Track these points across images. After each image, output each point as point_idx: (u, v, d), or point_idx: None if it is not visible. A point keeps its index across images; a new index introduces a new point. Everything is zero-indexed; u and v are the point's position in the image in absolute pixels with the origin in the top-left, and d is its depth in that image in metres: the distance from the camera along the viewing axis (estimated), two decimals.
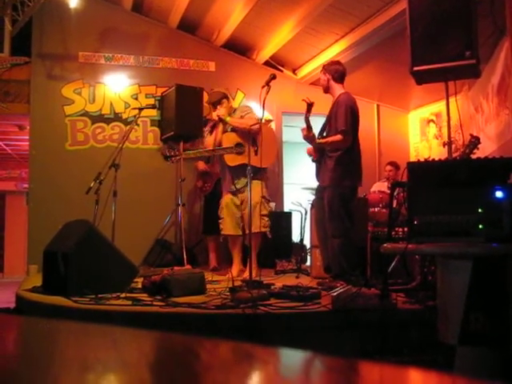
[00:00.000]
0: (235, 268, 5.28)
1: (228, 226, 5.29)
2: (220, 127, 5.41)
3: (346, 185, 4.42)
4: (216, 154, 5.41)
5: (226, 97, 5.54)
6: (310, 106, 4.32)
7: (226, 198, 5.33)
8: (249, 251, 4.43)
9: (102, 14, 7.01)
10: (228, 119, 5.32)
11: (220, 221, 5.37)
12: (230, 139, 5.25)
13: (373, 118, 8.00)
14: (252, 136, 5.08)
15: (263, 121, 4.87)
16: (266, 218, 5.23)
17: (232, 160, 5.19)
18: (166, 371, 0.53)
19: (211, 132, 5.67)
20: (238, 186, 5.21)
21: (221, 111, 5.40)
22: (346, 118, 4.34)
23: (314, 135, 4.45)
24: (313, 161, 4.68)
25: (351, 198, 4.48)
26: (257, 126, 5.01)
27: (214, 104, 5.52)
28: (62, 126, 6.69)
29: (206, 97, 6.96)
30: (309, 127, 4.39)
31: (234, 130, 5.29)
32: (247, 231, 5.09)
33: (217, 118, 5.42)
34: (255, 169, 4.56)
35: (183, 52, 7.21)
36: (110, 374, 0.52)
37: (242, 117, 5.34)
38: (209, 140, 5.64)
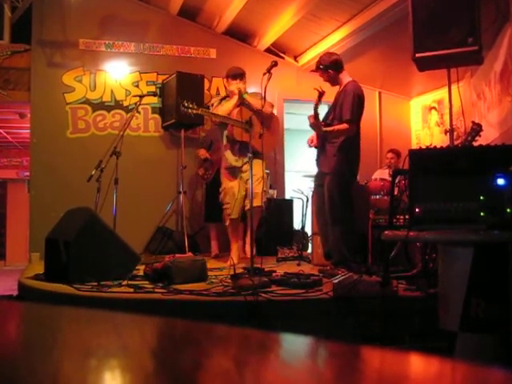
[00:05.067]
0: (235, 254, 5.24)
1: (236, 210, 5.22)
2: (234, 100, 5.31)
3: (346, 172, 4.43)
4: (227, 121, 5.33)
5: (245, 75, 5.49)
6: (321, 94, 4.28)
7: (226, 184, 5.32)
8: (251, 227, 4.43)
9: (103, 0, 6.96)
10: (246, 95, 5.28)
11: (227, 206, 5.27)
12: (242, 114, 5.23)
13: (374, 106, 7.97)
14: (262, 119, 5.09)
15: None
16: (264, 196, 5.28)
17: (240, 135, 5.18)
18: (168, 357, 0.53)
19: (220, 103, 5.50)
20: (238, 164, 5.21)
21: (241, 85, 5.33)
22: (352, 108, 4.34)
23: (320, 123, 4.43)
24: (314, 147, 4.68)
25: (351, 183, 4.49)
26: (269, 110, 5.12)
27: (235, 76, 5.40)
28: (63, 113, 6.68)
29: (206, 84, 6.96)
30: (316, 115, 4.37)
31: (246, 107, 5.27)
32: (247, 207, 5.09)
33: (236, 91, 5.30)
34: (257, 151, 4.65)
35: (184, 39, 7.17)
36: (112, 360, 0.52)
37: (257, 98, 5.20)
38: (224, 108, 5.35)
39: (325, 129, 4.44)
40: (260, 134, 4.57)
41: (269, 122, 5.32)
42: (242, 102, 5.30)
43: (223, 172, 5.40)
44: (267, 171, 5.86)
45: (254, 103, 5.17)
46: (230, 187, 5.26)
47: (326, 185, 4.43)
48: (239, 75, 5.40)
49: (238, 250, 5.42)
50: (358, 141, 4.52)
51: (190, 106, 5.07)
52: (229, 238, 5.49)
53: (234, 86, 5.35)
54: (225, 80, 5.74)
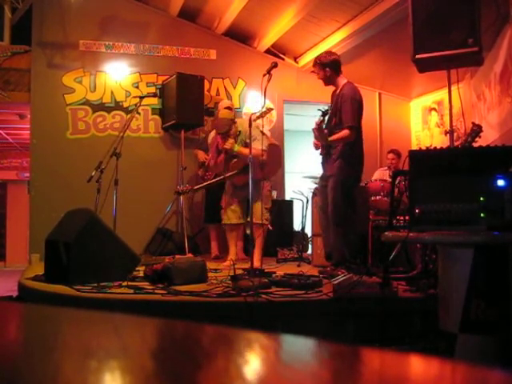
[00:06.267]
0: (230, 258, 5.27)
1: (229, 216, 5.32)
2: (225, 154, 5.23)
3: (350, 173, 4.43)
4: (228, 179, 5.34)
5: (233, 121, 5.32)
6: (324, 114, 4.26)
7: (228, 205, 5.37)
8: (250, 242, 4.43)
9: (103, 1, 6.97)
10: (236, 149, 5.14)
11: (222, 211, 5.42)
12: (239, 165, 5.19)
13: (374, 107, 7.97)
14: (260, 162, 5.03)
15: (264, 109, 4.84)
16: (267, 212, 5.24)
17: (242, 181, 5.15)
18: (168, 358, 0.53)
19: (217, 153, 5.34)
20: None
21: (228, 144, 5.14)
22: (353, 113, 4.34)
23: (325, 134, 4.41)
24: (320, 154, 4.69)
25: (354, 186, 4.49)
26: (263, 158, 4.85)
27: (223, 135, 5.27)
28: (63, 114, 6.68)
29: (206, 85, 6.96)
30: (320, 128, 4.34)
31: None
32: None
33: (228, 148, 5.16)
34: (258, 179, 4.80)
35: (184, 40, 7.17)
36: (112, 361, 0.52)
37: (246, 144, 4.87)
38: (218, 165, 5.32)
39: (330, 139, 4.42)
40: (261, 164, 4.61)
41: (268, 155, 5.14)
42: (235, 156, 5.20)
43: (227, 194, 5.46)
44: None
45: (246, 155, 4.58)
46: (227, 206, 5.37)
47: (330, 187, 4.44)
48: (225, 134, 5.24)
49: (234, 255, 5.45)
50: (360, 143, 4.53)
51: (184, 189, 5.11)
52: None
53: (229, 144, 5.15)
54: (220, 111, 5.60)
